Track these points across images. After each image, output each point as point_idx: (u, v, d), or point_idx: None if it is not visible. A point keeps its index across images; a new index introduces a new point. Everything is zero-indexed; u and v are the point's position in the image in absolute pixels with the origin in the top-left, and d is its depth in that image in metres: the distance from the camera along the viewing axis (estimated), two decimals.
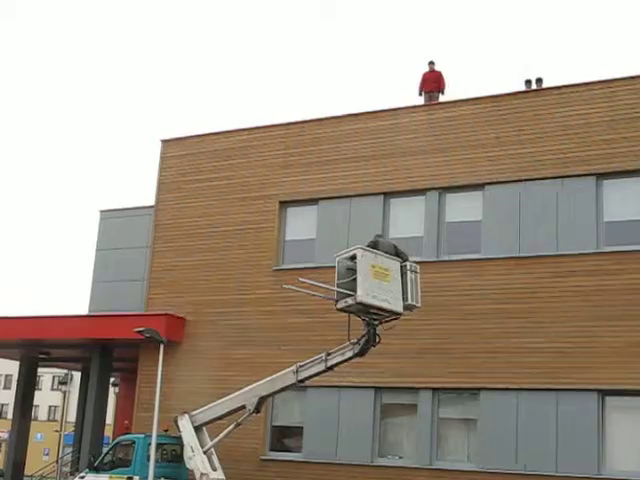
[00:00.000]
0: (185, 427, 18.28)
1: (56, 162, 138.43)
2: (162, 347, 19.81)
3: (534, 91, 20.90)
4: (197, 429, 18.23)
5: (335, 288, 14.55)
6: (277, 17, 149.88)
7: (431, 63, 23.43)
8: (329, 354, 15.81)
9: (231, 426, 17.49)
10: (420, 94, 23.13)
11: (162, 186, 24.48)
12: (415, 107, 21.89)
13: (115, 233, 27.93)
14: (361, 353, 15.25)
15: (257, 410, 17.19)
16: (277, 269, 21.87)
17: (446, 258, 20.08)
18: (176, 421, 18.56)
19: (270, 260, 22.07)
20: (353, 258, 14.46)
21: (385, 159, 21.21)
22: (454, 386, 19.15)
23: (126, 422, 24.84)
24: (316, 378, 19.35)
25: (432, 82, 23.03)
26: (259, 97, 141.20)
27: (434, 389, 19.32)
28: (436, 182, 20.51)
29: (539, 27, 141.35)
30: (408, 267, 15.19)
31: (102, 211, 28.98)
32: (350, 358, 15.54)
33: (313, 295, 15.88)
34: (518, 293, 18.93)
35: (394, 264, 15.01)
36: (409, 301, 14.98)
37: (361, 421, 19.87)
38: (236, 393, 17.68)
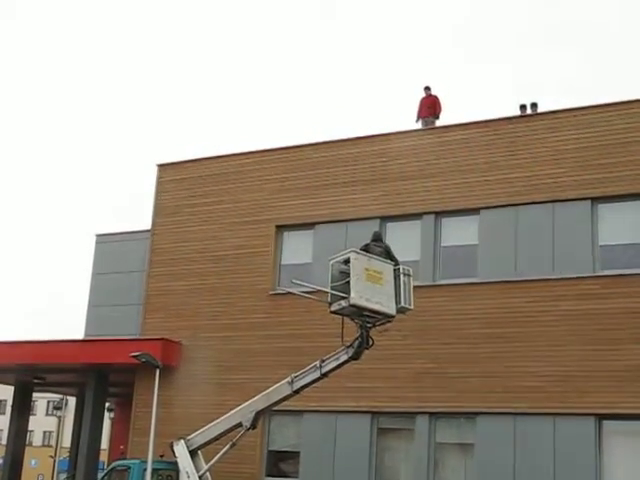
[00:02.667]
0: (181, 452, 18.15)
1: (53, 185, 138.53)
2: (158, 372, 19.74)
3: (528, 116, 21.04)
4: (193, 453, 18.12)
5: (329, 290, 14.62)
6: (273, 37, 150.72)
7: (427, 88, 23.59)
8: (323, 361, 15.78)
9: (227, 446, 17.36)
10: (417, 121, 23.26)
11: (158, 210, 24.51)
12: (410, 132, 22.01)
13: (111, 257, 27.86)
14: (356, 356, 15.20)
15: (253, 426, 17.07)
16: (273, 293, 21.85)
17: (442, 282, 20.09)
18: (172, 446, 18.45)
19: (266, 284, 22.07)
20: (347, 261, 14.56)
21: (381, 183, 21.27)
22: (451, 410, 19.10)
23: (121, 447, 24.69)
24: (312, 404, 19.36)
25: (428, 107, 23.19)
26: (256, 118, 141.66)
27: (431, 414, 19.25)
28: (432, 206, 20.56)
29: (536, 50, 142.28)
30: (401, 270, 15.26)
31: (98, 235, 28.93)
32: (345, 362, 15.48)
33: (308, 298, 15.99)
34: (514, 317, 18.93)
35: (387, 267, 15.10)
36: (402, 304, 15.04)
37: (358, 446, 19.78)
38: (232, 412, 17.56)
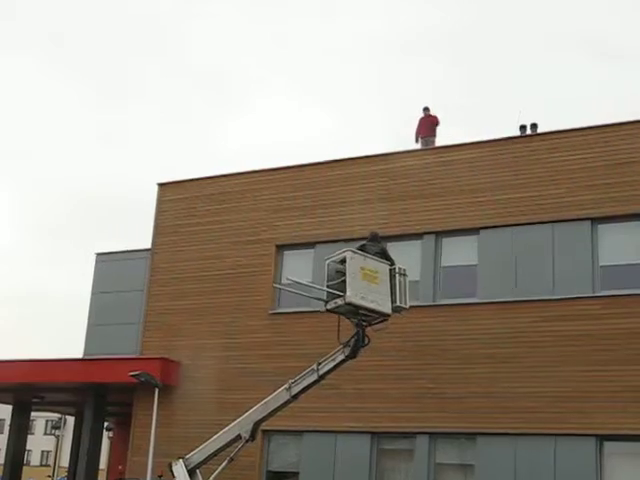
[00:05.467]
0: (179, 473, 18.01)
1: (51, 201, 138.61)
2: (157, 391, 19.66)
3: (528, 136, 21.09)
4: (191, 472, 17.96)
5: (325, 288, 14.73)
6: (273, 56, 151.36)
7: (426, 109, 23.68)
8: (320, 363, 15.78)
9: (225, 462, 17.19)
10: (416, 140, 23.32)
11: (159, 229, 24.51)
12: (411, 151, 22.07)
13: (111, 276, 27.86)
14: (352, 355, 15.20)
15: (252, 437, 16.89)
16: (273, 313, 21.83)
17: (442, 302, 20.08)
18: (170, 467, 18.33)
19: (266, 304, 22.04)
20: (343, 261, 14.70)
21: (382, 203, 21.29)
22: (451, 431, 19.02)
23: (120, 467, 24.57)
24: (312, 424, 19.27)
25: (428, 127, 23.26)
26: (257, 137, 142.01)
27: (431, 434, 19.18)
28: (432, 226, 20.57)
29: (535, 71, 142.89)
30: (397, 270, 15.38)
31: (98, 254, 28.93)
32: (342, 362, 15.45)
33: (304, 296, 16.15)
34: (515, 337, 18.89)
35: (383, 267, 15.23)
36: (398, 303, 15.12)
37: (358, 466, 19.66)
38: (230, 425, 17.40)
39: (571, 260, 18.87)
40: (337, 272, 14.66)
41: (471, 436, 18.81)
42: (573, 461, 17.58)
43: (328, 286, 14.69)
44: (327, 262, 15.03)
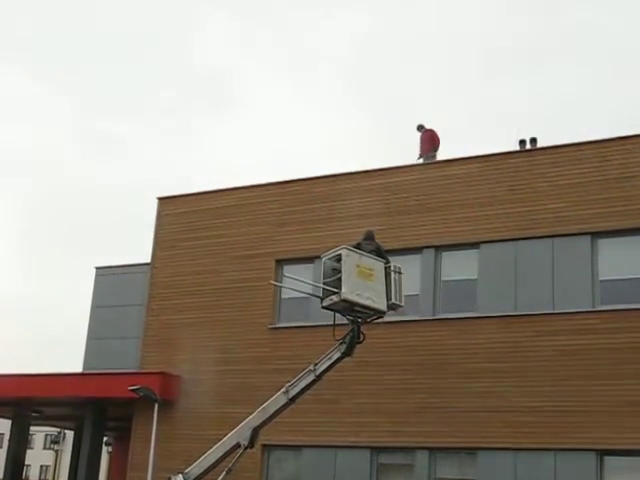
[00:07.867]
0: None
1: (51, 218, 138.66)
2: (156, 406, 19.59)
3: (527, 151, 21.14)
4: None
5: (321, 285, 14.80)
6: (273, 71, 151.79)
7: (420, 127, 23.65)
8: (316, 363, 15.79)
9: (223, 473, 17.08)
10: (419, 158, 23.29)
11: (158, 244, 24.51)
12: (411, 166, 22.09)
13: (110, 290, 27.85)
14: (348, 352, 15.25)
15: (251, 444, 16.81)
16: (273, 327, 21.80)
17: (442, 316, 20.06)
18: None
19: (266, 318, 22.02)
20: (339, 259, 14.87)
21: (381, 217, 21.27)
22: (451, 446, 18.97)
23: None
24: (312, 438, 19.17)
25: (426, 143, 23.27)
26: (255, 154, 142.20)
27: (431, 449, 19.13)
28: (432, 240, 20.58)
29: (536, 85, 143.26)
30: (392, 268, 15.50)
31: (97, 268, 28.94)
32: (339, 359, 15.48)
33: (301, 292, 16.31)
34: (514, 351, 18.88)
35: (378, 265, 15.42)
36: (393, 300, 15.26)
37: None
38: (228, 434, 17.35)
39: (571, 274, 18.87)
40: (333, 270, 14.90)
41: (471, 451, 18.77)
42: (573, 476, 17.53)
43: (324, 283, 14.93)
44: (323, 260, 15.24)
